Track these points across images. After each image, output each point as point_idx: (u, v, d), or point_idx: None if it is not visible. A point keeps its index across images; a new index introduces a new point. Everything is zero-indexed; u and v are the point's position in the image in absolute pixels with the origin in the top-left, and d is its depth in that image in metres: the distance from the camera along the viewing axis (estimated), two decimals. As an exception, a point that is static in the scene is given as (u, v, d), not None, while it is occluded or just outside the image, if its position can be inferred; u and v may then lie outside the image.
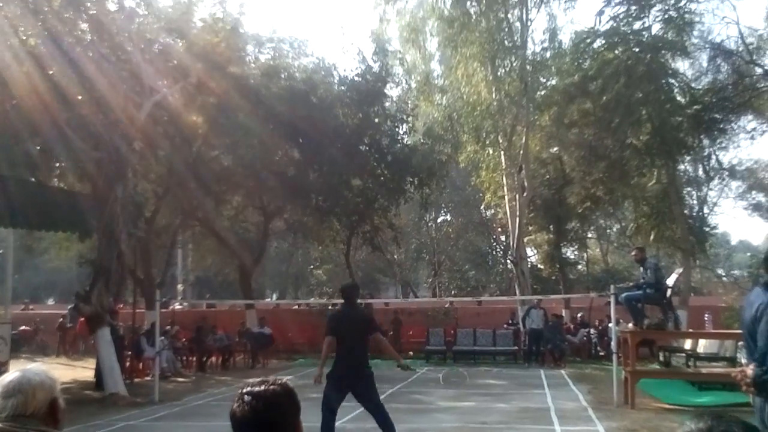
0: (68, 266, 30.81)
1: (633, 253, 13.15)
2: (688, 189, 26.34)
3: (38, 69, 12.80)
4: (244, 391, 1.82)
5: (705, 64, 20.86)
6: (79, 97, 13.60)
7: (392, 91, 24.16)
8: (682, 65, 21.04)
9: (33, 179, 14.44)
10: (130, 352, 15.82)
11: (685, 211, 21.57)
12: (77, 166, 15.30)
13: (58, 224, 13.24)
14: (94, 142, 13.70)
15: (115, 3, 14.44)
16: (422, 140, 22.99)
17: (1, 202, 10.92)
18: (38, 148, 14.55)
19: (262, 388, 1.82)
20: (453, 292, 34.71)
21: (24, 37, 13.15)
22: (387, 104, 23.10)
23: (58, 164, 16.37)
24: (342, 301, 7.61)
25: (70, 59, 13.12)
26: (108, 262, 12.98)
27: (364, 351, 7.23)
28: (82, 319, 16.84)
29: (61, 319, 21.92)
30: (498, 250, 38.59)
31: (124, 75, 14.09)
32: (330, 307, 23.14)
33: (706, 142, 20.98)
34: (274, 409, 1.78)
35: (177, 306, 24.70)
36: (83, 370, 16.94)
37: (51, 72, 13.20)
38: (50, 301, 41.13)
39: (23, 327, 22.44)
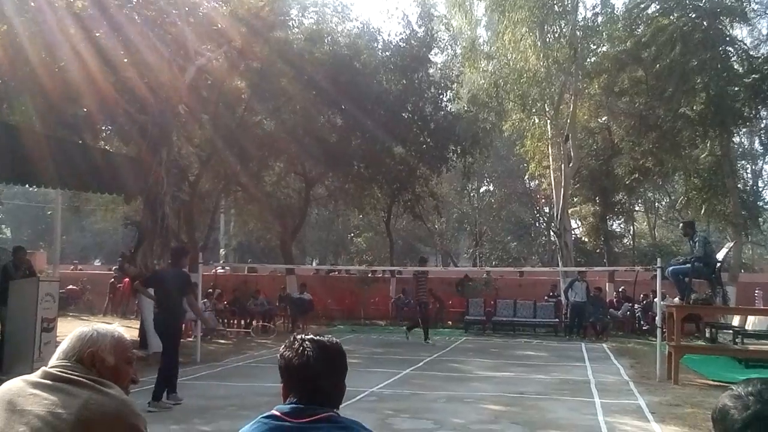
0: (114, 228, 31.47)
1: (681, 227, 12.73)
2: (742, 162, 25.44)
3: (85, 32, 12.92)
4: (299, 337, 1.90)
5: (765, 32, 19.99)
6: (125, 61, 13.71)
7: (437, 57, 23.84)
8: (740, 32, 20.21)
9: (80, 141, 14.66)
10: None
11: (739, 185, 20.80)
12: (123, 129, 15.50)
13: (104, 186, 13.41)
14: (139, 105, 13.83)
15: (161, -33, 14.41)
16: (466, 108, 22.62)
17: (49, 164, 11.08)
18: (84, 110, 14.77)
19: (318, 337, 1.89)
20: (494, 263, 34.39)
21: (71, 0, 13.26)
22: (431, 71, 22.76)
23: (104, 127, 16.61)
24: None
25: (116, 23, 13.19)
26: (152, 224, 13.17)
27: (179, 304, 8.63)
28: (126, 279, 17.20)
29: (113, 279, 22.43)
30: (541, 221, 38.05)
31: (168, 39, 14.12)
32: (369, 275, 23.22)
33: (763, 113, 20.16)
34: (325, 359, 1.83)
35: (219, 270, 25.05)
36: (127, 330, 17.35)
37: (97, 35, 13.31)
38: (97, 262, 42.22)
39: (70, 286, 23.03)
